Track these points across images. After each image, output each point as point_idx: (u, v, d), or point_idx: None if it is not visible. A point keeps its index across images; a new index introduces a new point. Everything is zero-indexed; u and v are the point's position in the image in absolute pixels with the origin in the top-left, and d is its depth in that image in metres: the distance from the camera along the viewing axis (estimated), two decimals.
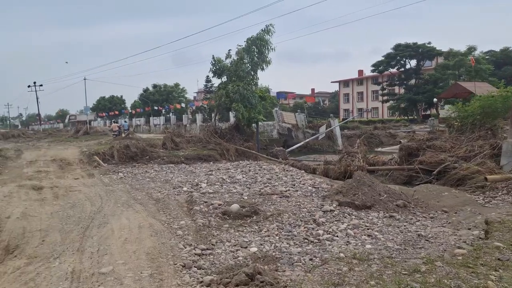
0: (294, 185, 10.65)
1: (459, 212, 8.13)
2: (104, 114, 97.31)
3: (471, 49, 53.37)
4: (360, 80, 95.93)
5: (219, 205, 7.87)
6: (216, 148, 18.88)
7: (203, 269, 4.93)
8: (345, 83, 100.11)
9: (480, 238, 5.99)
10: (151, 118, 67.50)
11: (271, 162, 17.75)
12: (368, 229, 6.75)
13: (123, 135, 42.35)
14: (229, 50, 19.72)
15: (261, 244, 5.95)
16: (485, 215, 7.49)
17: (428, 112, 60.25)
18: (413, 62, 59.40)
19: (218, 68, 19.79)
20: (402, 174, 14.28)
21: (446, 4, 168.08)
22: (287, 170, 14.05)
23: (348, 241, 6.03)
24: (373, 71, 62.50)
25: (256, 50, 19.54)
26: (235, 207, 7.45)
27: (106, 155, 17.55)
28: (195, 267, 4.96)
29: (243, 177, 11.87)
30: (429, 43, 56.97)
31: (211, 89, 70.05)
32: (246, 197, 8.69)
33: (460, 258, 4.16)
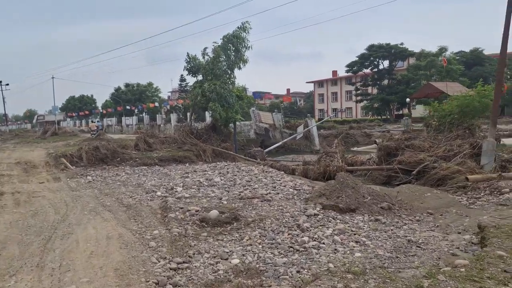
0: (275, 188, 10.22)
1: (444, 214, 7.89)
2: (74, 114, 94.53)
3: (442, 50, 54.51)
4: (334, 80, 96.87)
5: (197, 211, 7.34)
6: (192, 149, 18.25)
7: (179, 286, 4.42)
8: (319, 83, 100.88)
9: (472, 243, 5.72)
10: (123, 118, 65.78)
11: (249, 163, 17.29)
12: (355, 234, 6.38)
13: (92, 135, 41.03)
14: (205, 48, 19.18)
15: (243, 255, 5.47)
16: (472, 218, 7.27)
17: (401, 112, 61.28)
18: (386, 63, 60.22)
19: (193, 66, 19.14)
20: (381, 174, 14.09)
21: (418, 4, 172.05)
22: (266, 172, 13.62)
23: (335, 249, 5.63)
24: (347, 71, 63.05)
25: (233, 48, 19.03)
26: (214, 213, 6.94)
27: (74, 157, 16.64)
28: (170, 284, 4.44)
29: (221, 180, 11.35)
30: (402, 43, 57.97)
31: (186, 88, 68.99)
32: (225, 202, 8.19)
33: (463, 270, 3.81)
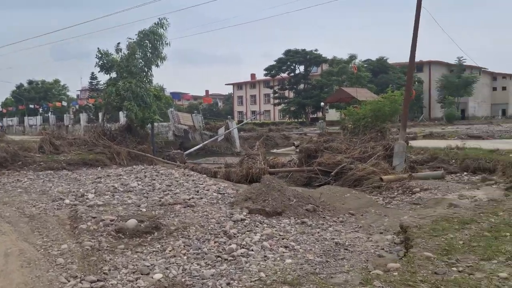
0: (198, 192, 9.77)
1: (365, 214, 8.12)
2: None
3: (352, 57, 58.08)
4: (253, 83, 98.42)
5: (112, 220, 6.63)
6: (105, 151, 16.98)
7: None
8: (239, 85, 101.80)
9: (395, 243, 5.88)
10: (25, 118, 59.94)
11: (169, 166, 16.54)
12: (283, 238, 6.23)
13: None
14: (119, 43, 17.98)
15: (167, 268, 5.00)
16: (391, 217, 7.56)
17: (316, 116, 64.07)
18: (302, 68, 62.58)
19: (106, 63, 17.83)
20: (302, 176, 14.34)
21: (330, 13, 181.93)
22: (187, 175, 13.07)
23: (265, 256, 5.40)
24: (265, 74, 64.36)
25: (150, 44, 18.11)
26: (131, 222, 6.32)
27: None
28: None
29: (138, 185, 10.58)
30: (316, 50, 60.65)
31: (97, 87, 64.91)
32: (144, 209, 7.56)
33: (396, 274, 3.78)
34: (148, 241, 6.00)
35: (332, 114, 65.24)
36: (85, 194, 9.12)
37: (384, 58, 66.61)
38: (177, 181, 11.54)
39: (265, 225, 6.97)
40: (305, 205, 8.05)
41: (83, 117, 46.52)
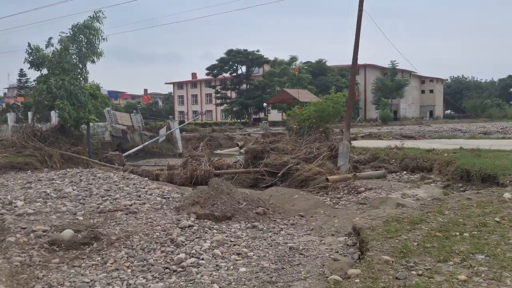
0: (139, 197, 9.20)
1: (314, 215, 8.08)
2: None
3: (293, 59, 59.23)
4: (194, 83, 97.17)
5: (44, 231, 5.96)
6: (35, 154, 15.63)
7: None
8: (179, 85, 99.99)
9: (347, 245, 5.83)
10: None
11: (106, 169, 15.60)
12: (234, 245, 5.95)
13: None
14: (50, 38, 16.60)
15: (109, 284, 4.52)
16: (340, 218, 7.57)
17: (258, 116, 64.48)
18: (244, 68, 62.68)
19: (37, 58, 16.39)
20: (249, 177, 14.15)
21: (273, 15, 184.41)
22: (127, 178, 12.34)
23: (217, 265, 5.09)
24: (207, 74, 63.67)
25: (85, 39, 16.96)
26: (67, 233, 5.71)
27: None
28: None
29: (73, 190, 9.76)
30: (258, 51, 61.04)
31: (26, 85, 60.44)
32: (81, 218, 6.90)
33: (358, 281, 3.65)
34: (86, 253, 5.44)
35: (274, 115, 66.20)
36: (13, 201, 8.19)
37: (323, 61, 68.69)
38: (117, 185, 10.83)
39: (214, 231, 6.65)
40: (255, 208, 7.83)
41: (10, 116, 42.86)
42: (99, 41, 17.18)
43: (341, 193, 10.22)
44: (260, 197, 8.85)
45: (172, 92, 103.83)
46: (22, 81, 60.58)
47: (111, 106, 32.55)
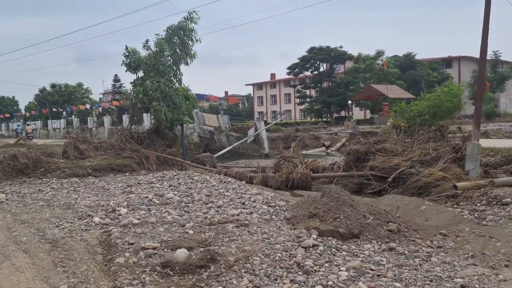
0: (244, 204, 8.34)
1: (461, 235, 6.54)
2: None
3: (379, 53, 55.88)
4: (273, 83, 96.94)
5: (155, 249, 5.25)
6: (133, 155, 15.75)
7: None
8: (258, 86, 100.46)
9: None
10: (49, 121, 59.89)
11: (200, 171, 15.23)
12: (379, 275, 4.71)
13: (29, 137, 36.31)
14: (147, 40, 16.72)
15: None
16: (503, 240, 5.95)
17: (342, 115, 61.96)
18: (326, 66, 60.61)
19: (133, 61, 16.61)
20: (352, 182, 12.76)
21: (350, 11, 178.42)
22: (225, 182, 11.69)
23: None
24: (288, 73, 62.65)
25: (179, 41, 16.81)
26: (181, 254, 4.90)
27: None
28: None
29: (175, 195, 9.21)
30: (341, 47, 58.56)
31: (120, 90, 64.48)
32: (191, 231, 6.14)
33: None
34: (204, 279, 4.57)
35: (357, 113, 63.15)
36: (117, 208, 7.79)
37: (412, 54, 63.97)
38: (216, 189, 10.15)
39: (344, 252, 5.48)
40: (385, 224, 6.51)
41: (107, 119, 45.88)
42: (193, 42, 16.92)
43: (478, 204, 8.46)
44: (386, 210, 7.46)
45: (251, 93, 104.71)
46: (116, 86, 64.80)
47: (199, 107, 32.98)
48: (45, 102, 72.03)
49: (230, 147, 23.08)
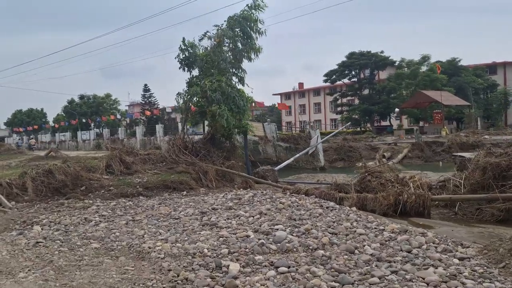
0: (401, 250, 5.30)
1: None
2: (21, 129, 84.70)
3: (425, 58, 52.20)
4: (302, 92, 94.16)
5: None
6: (189, 170, 12.95)
7: None
8: (286, 95, 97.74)
9: None
10: (78, 133, 58.40)
11: (273, 189, 12.30)
12: None
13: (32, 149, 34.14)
14: (206, 31, 13.93)
15: None
16: None
17: (384, 124, 58.22)
18: (367, 72, 57.23)
19: (189, 56, 13.85)
20: (494, 207, 9.50)
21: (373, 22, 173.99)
22: (326, 207, 8.72)
23: None
24: (325, 80, 59.47)
25: (241, 33, 14.02)
26: None
27: (13, 186, 10.94)
28: None
29: (286, 230, 6.26)
30: (382, 52, 55.16)
31: (150, 99, 62.61)
32: None
33: None
34: None
35: (395, 122, 59.22)
36: (222, 263, 4.81)
37: (456, 59, 59.90)
38: (334, 220, 7.18)
39: None
40: None
41: (139, 130, 43.71)
42: (257, 34, 14.09)
43: None
44: None
45: (279, 102, 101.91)
46: (146, 96, 62.96)
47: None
48: (74, 113, 70.99)
49: (292, 159, 20.03)
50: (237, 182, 13.92)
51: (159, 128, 39.38)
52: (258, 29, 14.16)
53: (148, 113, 51.44)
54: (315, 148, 24.34)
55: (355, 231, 6.38)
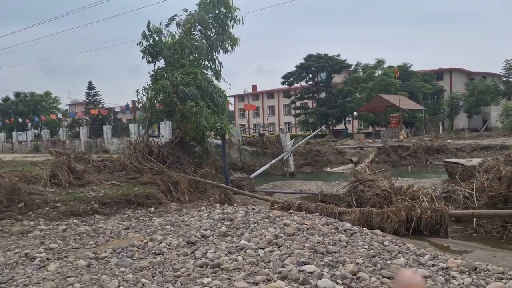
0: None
1: None
2: None
3: (380, 62, 52.70)
4: (255, 95, 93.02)
5: None
6: (156, 180, 10.73)
7: None
8: (240, 97, 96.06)
9: None
10: (14, 133, 52.82)
11: (261, 203, 10.46)
12: None
13: None
14: (174, 15, 11.72)
15: None
16: None
17: (339, 127, 58.13)
18: (323, 75, 56.87)
19: (153, 44, 11.58)
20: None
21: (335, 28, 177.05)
22: (336, 228, 7.03)
23: None
24: (283, 83, 58.32)
25: (215, 20, 12.01)
26: None
27: None
28: None
29: (326, 275, 4.43)
30: (338, 55, 55.01)
31: (95, 98, 58.03)
32: None
33: None
34: None
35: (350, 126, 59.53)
36: None
37: (407, 65, 61.35)
38: (354, 248, 5.47)
39: None
40: None
41: (83, 131, 39.82)
42: (233, 23, 12.15)
43: None
44: None
45: (233, 105, 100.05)
46: (91, 94, 58.30)
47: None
48: (10, 111, 64.59)
49: (267, 165, 18.12)
50: (211, 194, 11.90)
51: (106, 129, 35.98)
52: (234, 16, 12.22)
53: (95, 112, 47.31)
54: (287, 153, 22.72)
55: (364, 257, 4.70)
